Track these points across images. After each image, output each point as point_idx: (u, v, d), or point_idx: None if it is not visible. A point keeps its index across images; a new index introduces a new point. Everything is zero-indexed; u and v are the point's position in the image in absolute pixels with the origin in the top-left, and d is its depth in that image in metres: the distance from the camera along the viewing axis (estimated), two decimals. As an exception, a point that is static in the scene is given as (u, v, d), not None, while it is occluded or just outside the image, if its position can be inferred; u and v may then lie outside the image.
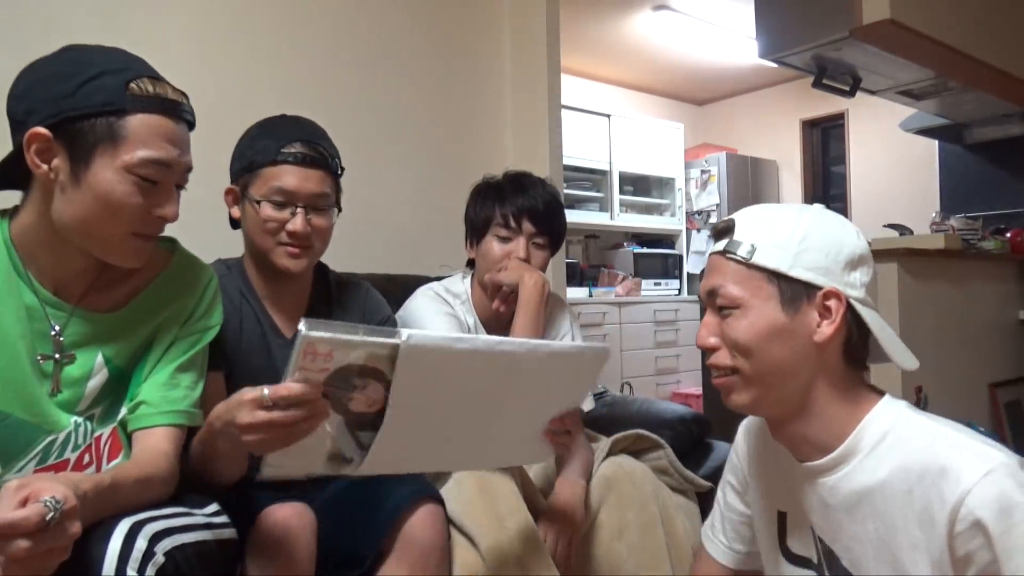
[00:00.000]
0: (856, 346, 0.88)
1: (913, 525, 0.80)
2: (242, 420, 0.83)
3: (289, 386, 0.80)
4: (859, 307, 0.86)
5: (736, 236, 0.89)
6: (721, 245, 0.90)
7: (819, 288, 0.85)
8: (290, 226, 1.21)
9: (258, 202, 1.21)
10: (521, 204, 1.48)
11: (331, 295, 1.37)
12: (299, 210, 1.22)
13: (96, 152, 0.90)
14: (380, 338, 0.81)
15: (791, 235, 0.87)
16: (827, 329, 0.85)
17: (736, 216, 0.92)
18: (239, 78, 1.94)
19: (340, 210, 1.30)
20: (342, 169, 1.30)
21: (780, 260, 0.86)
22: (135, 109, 0.92)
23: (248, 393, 0.83)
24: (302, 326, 0.76)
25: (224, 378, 1.20)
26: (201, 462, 1.04)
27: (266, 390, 0.81)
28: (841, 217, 0.91)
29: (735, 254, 0.88)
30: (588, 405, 1.58)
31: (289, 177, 1.21)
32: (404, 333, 0.82)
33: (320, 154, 1.24)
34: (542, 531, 1.31)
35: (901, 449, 0.83)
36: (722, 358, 0.90)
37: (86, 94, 0.90)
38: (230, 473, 1.04)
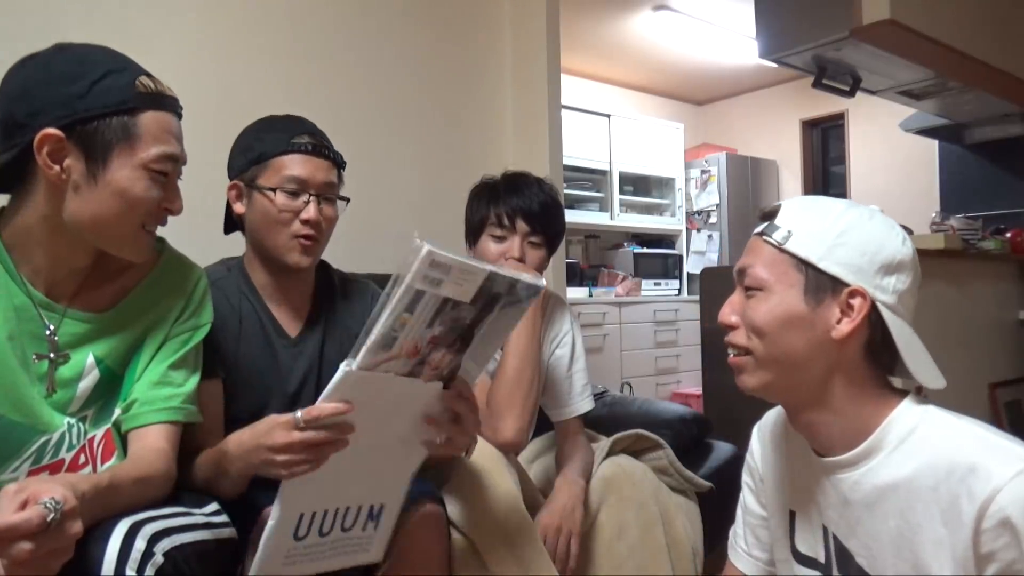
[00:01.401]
0: (879, 349, 0.87)
1: (937, 522, 0.79)
2: (277, 441, 0.90)
3: (321, 407, 0.87)
4: (886, 313, 0.85)
5: (777, 220, 0.90)
6: (761, 227, 0.91)
7: (846, 285, 0.85)
8: (304, 214, 1.22)
9: (272, 190, 1.22)
10: (515, 204, 1.48)
11: (335, 293, 1.37)
12: (312, 198, 1.23)
13: (113, 151, 0.92)
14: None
15: (830, 228, 0.87)
16: (845, 327, 0.85)
17: (785, 202, 0.92)
18: (238, 80, 1.94)
19: (348, 200, 1.32)
20: (344, 162, 1.31)
21: (812, 250, 0.86)
22: (145, 107, 0.94)
23: (281, 417, 0.91)
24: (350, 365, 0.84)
25: (222, 383, 1.19)
26: (206, 479, 1.06)
27: (299, 413, 0.88)
28: (892, 222, 0.90)
29: (771, 237, 0.89)
30: (588, 405, 1.58)
31: (301, 166, 1.23)
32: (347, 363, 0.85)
33: (326, 145, 1.27)
34: (541, 531, 1.31)
35: (928, 446, 0.82)
36: (738, 337, 0.91)
37: (98, 94, 0.91)
38: (232, 493, 1.05)
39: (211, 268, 1.30)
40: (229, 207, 1.31)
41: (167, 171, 0.97)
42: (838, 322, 0.85)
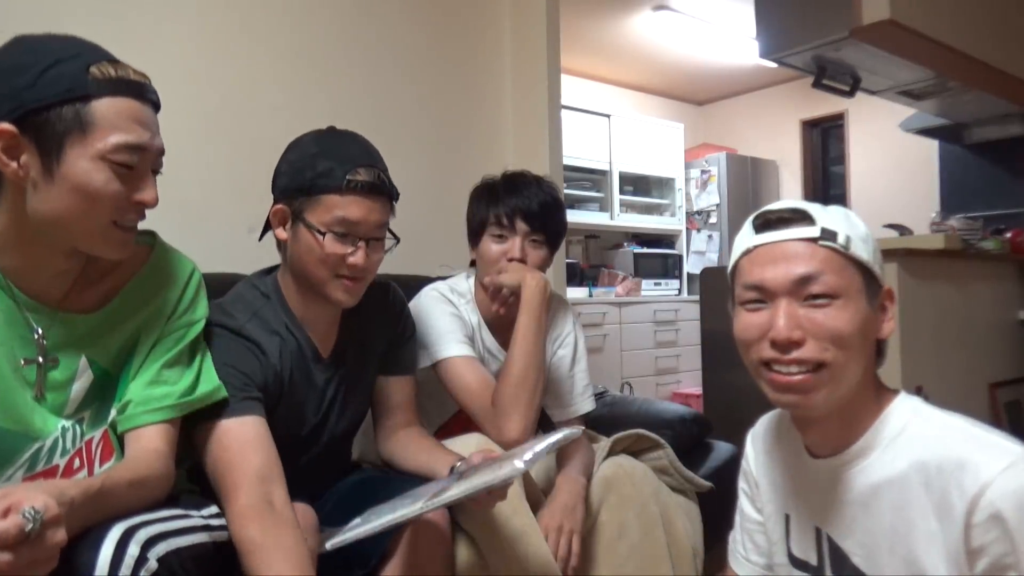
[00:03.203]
0: (881, 346, 0.90)
1: (931, 517, 0.80)
2: None
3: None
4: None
5: (824, 224, 0.85)
6: (810, 232, 0.85)
7: (880, 285, 0.87)
8: (351, 259, 1.15)
9: (322, 233, 1.14)
10: (514, 204, 1.48)
11: (360, 306, 1.31)
12: (361, 243, 1.16)
13: (66, 142, 0.87)
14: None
15: (865, 233, 0.87)
16: (889, 326, 0.87)
17: (805, 206, 0.88)
18: (240, 81, 1.93)
19: (398, 240, 1.24)
20: (398, 194, 1.23)
21: (867, 254, 0.86)
22: (100, 93, 0.88)
23: None
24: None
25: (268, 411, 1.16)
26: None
27: None
28: None
29: (833, 242, 0.84)
30: (589, 406, 1.58)
31: (354, 208, 1.14)
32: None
33: (383, 181, 1.18)
34: (543, 530, 1.31)
35: (919, 443, 0.83)
36: (810, 352, 0.83)
37: (47, 83, 0.86)
38: None
39: (247, 293, 1.24)
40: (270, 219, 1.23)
41: (130, 163, 0.90)
42: (882, 323, 0.87)
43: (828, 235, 0.84)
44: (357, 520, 1.09)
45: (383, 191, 1.18)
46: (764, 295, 0.87)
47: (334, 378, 1.28)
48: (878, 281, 0.87)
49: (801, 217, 0.86)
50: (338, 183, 1.13)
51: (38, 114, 0.86)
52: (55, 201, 0.88)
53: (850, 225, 0.87)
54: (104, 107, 0.88)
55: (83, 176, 0.88)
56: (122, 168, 0.90)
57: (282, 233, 1.20)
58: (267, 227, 1.25)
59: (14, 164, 0.87)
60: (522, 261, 1.48)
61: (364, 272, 1.19)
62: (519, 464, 0.99)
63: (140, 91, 0.92)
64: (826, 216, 0.87)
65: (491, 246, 1.50)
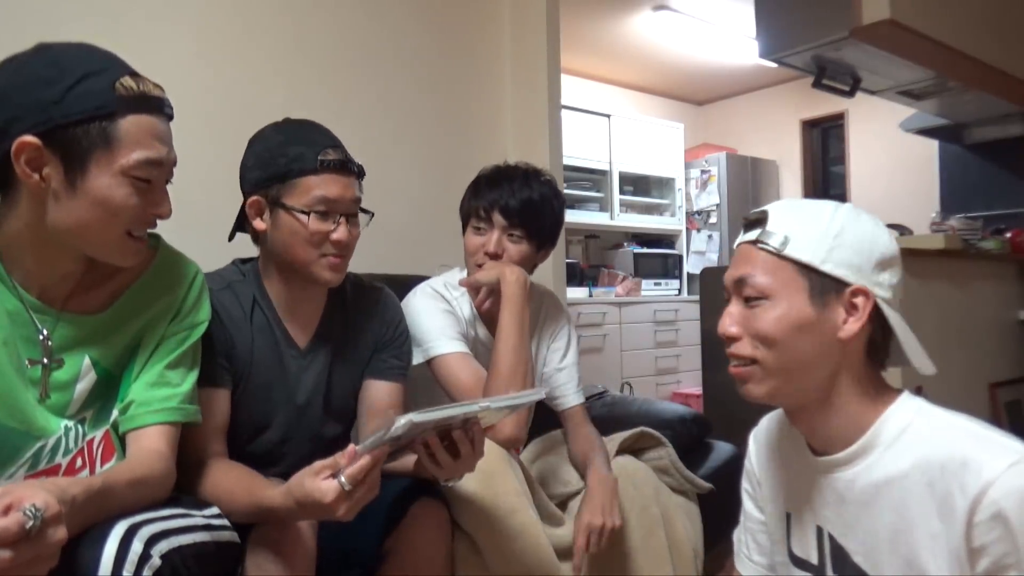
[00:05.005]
0: (879, 345, 0.89)
1: (933, 517, 0.80)
2: (336, 513, 0.92)
3: (359, 466, 0.91)
4: (885, 307, 0.87)
5: (769, 227, 0.89)
6: (753, 235, 0.90)
7: (847, 285, 0.86)
8: (335, 235, 1.19)
9: (305, 213, 1.17)
10: (492, 198, 1.49)
11: (347, 304, 1.35)
12: (342, 219, 1.20)
13: (91, 158, 0.89)
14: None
15: (826, 231, 0.87)
16: (853, 326, 0.86)
17: (770, 207, 0.91)
18: (239, 81, 1.94)
19: (372, 215, 1.28)
20: (364, 172, 1.28)
21: (813, 254, 0.86)
22: (125, 111, 0.90)
23: (326, 494, 0.91)
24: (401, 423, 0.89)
25: (231, 392, 1.19)
26: (241, 515, 1.03)
27: (343, 478, 0.91)
28: (875, 218, 0.91)
29: (767, 244, 0.88)
30: (579, 399, 1.59)
31: (332, 186, 1.18)
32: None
33: (350, 159, 1.22)
34: (585, 530, 1.29)
35: (922, 442, 0.83)
36: (743, 348, 0.89)
37: (75, 99, 0.87)
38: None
39: (225, 270, 1.28)
40: (241, 216, 1.26)
41: (149, 177, 0.93)
42: (844, 322, 0.86)
43: (764, 237, 0.89)
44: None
45: (352, 169, 1.22)
46: (727, 294, 0.93)
47: (311, 372, 1.28)
48: (841, 281, 0.86)
49: (757, 220, 0.91)
50: (312, 164, 1.17)
51: (65, 130, 0.87)
52: (75, 213, 0.91)
53: (801, 225, 0.88)
54: (128, 124, 0.90)
55: (105, 191, 0.90)
56: (141, 183, 0.93)
57: (261, 224, 1.22)
58: (237, 226, 1.29)
59: (36, 176, 0.88)
60: (498, 255, 1.48)
61: (347, 248, 1.22)
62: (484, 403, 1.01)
63: (160, 107, 0.95)
64: (780, 217, 0.89)
65: (471, 238, 1.52)
